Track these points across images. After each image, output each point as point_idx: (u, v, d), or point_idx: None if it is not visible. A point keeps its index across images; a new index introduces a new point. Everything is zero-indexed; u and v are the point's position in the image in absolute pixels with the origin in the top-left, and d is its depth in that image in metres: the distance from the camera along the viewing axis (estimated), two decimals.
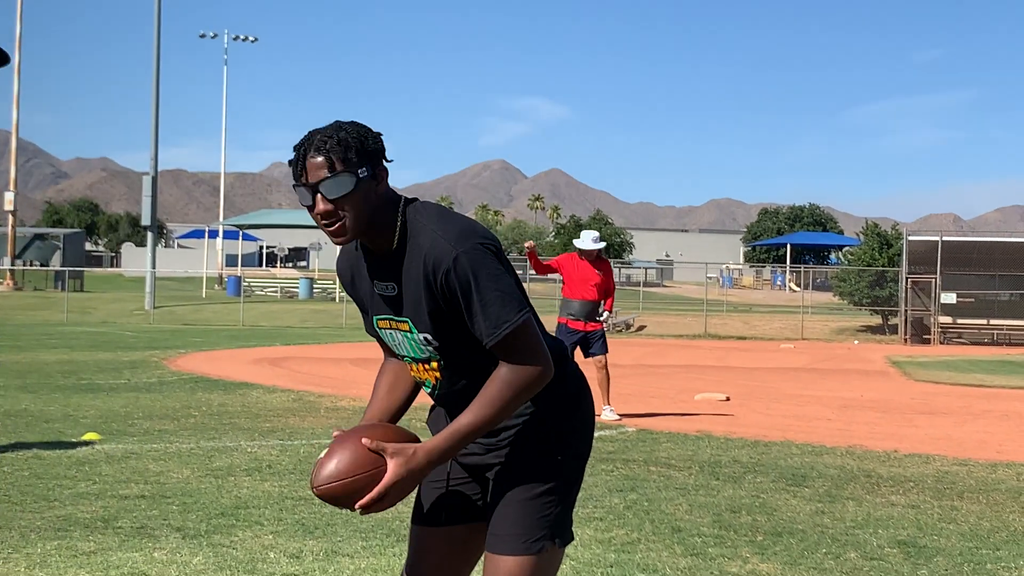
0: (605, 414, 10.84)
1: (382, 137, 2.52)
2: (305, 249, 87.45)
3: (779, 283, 72.09)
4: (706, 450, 9.00)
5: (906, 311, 35.30)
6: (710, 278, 50.91)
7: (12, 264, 51.07)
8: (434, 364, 2.61)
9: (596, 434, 2.60)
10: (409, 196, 2.58)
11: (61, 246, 61.97)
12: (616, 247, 69.45)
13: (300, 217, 57.92)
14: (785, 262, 71.94)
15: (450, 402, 2.65)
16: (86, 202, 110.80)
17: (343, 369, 17.89)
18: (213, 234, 62.50)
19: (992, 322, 35.92)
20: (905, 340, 34.74)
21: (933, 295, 35.09)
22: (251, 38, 64.79)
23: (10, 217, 51.75)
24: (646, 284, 64.08)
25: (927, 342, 34.51)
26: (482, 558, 2.65)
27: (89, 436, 8.78)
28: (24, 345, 21.44)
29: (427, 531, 2.74)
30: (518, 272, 2.55)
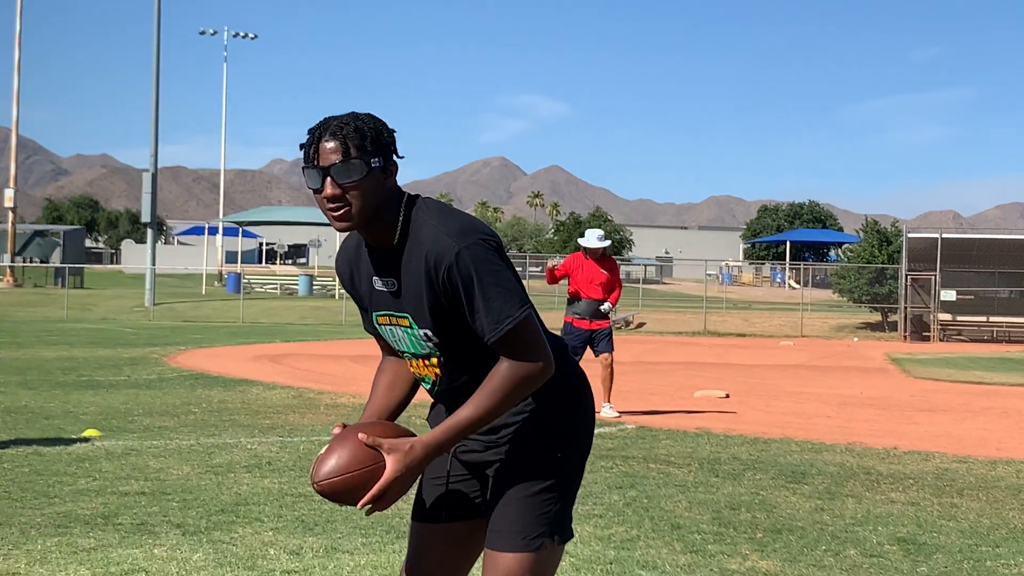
0: (604, 411, 10.85)
1: (395, 134, 2.54)
2: (305, 246, 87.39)
3: (779, 280, 72.11)
4: (706, 447, 9.00)
5: (906, 308, 35.31)
6: (709, 275, 50.84)
7: (12, 261, 51.09)
8: (434, 360, 2.61)
9: (596, 431, 2.60)
10: (409, 193, 2.59)
11: (61, 243, 61.84)
12: (616, 244, 69.42)
13: (300, 214, 57.99)
14: (785, 259, 71.90)
15: (450, 398, 2.65)
16: (86, 199, 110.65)
17: (343, 366, 17.89)
18: (213, 231, 62.54)
19: (992, 319, 35.94)
20: (905, 337, 34.75)
21: (933, 292, 35.09)
22: (251, 35, 64.91)
23: (10, 214, 51.78)
24: (645, 281, 64.16)
25: (927, 339, 34.52)
26: (482, 555, 2.65)
27: (89, 432, 8.79)
28: (24, 342, 21.44)
29: (427, 528, 2.75)
30: (517, 270, 2.56)
